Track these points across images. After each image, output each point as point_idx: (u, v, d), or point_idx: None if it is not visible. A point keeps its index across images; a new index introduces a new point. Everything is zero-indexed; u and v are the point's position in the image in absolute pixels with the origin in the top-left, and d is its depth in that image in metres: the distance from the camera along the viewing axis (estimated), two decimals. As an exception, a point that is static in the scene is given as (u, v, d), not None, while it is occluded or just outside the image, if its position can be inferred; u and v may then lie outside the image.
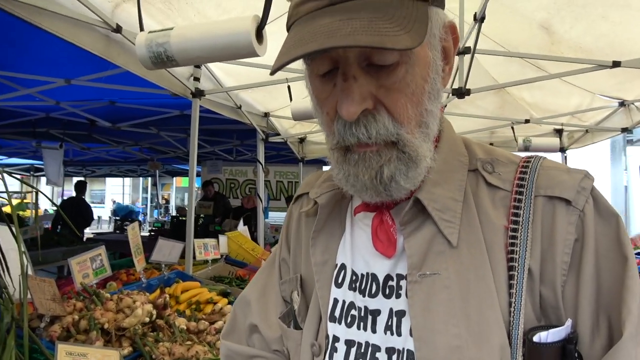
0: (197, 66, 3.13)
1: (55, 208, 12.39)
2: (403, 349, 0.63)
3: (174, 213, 12.63)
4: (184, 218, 7.10)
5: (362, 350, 0.66)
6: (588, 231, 0.60)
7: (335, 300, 0.71)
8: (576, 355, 0.57)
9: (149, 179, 17.63)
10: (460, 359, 0.58)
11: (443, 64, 0.66)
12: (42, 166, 7.24)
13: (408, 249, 0.65)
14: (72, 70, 3.50)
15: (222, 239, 3.72)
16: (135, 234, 2.70)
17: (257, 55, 1.27)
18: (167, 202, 19.03)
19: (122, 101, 4.57)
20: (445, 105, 3.91)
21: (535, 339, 0.57)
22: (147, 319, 1.95)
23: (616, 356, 0.55)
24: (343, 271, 0.72)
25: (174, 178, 18.75)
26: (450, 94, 2.95)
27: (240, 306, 0.87)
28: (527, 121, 4.62)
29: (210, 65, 3.26)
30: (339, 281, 0.72)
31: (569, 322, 0.58)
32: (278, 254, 0.87)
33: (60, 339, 1.68)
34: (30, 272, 1.93)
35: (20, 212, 9.30)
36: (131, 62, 2.51)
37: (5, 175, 1.59)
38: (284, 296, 0.82)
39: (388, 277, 0.68)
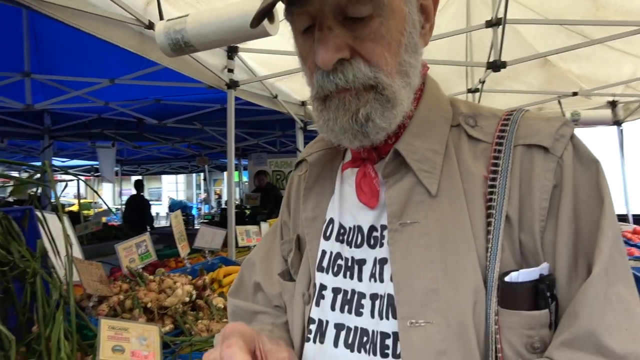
0: (230, 57, 3.20)
1: (116, 206, 13.10)
2: (384, 293, 0.65)
3: (224, 205, 13.02)
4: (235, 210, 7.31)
5: (349, 297, 0.69)
6: (567, 177, 0.61)
7: (324, 252, 0.75)
8: (549, 296, 0.58)
9: (201, 175, 18.23)
10: (436, 301, 0.60)
11: (422, 21, 0.68)
12: (99, 166, 7.70)
13: (388, 199, 0.67)
14: (115, 70, 3.70)
15: (264, 225, 3.81)
16: (178, 222, 2.83)
17: (269, 35, 1.30)
18: (220, 196, 19.59)
19: (166, 99, 4.77)
20: (484, 82, 3.79)
21: (507, 279, 0.58)
22: (187, 299, 2.05)
23: (584, 294, 0.55)
24: (331, 225, 0.76)
25: (224, 173, 19.28)
26: (486, 69, 2.86)
27: (247, 267, 0.93)
28: (574, 94, 4.40)
29: (244, 55, 3.33)
30: (327, 234, 0.75)
31: (544, 265, 0.59)
32: (280, 218, 0.92)
33: (107, 317, 1.80)
34: (79, 256, 2.08)
35: (85, 211, 9.87)
36: (165, 57, 2.61)
37: (69, 176, 1.71)
38: (284, 255, 0.86)
39: (372, 228, 0.70)
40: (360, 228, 0.72)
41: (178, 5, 2.46)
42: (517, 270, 0.59)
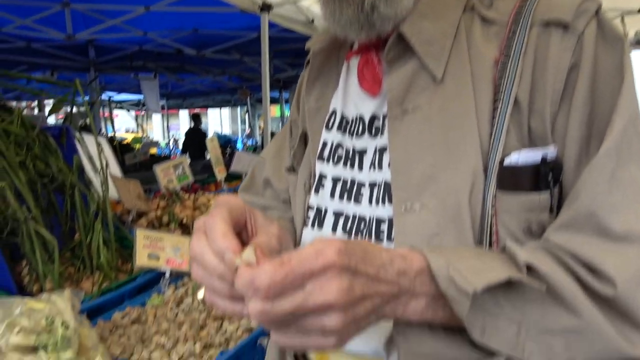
0: (261, -23, 3.09)
1: (164, 140, 13.56)
2: (382, 180, 0.64)
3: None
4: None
5: (348, 186, 0.69)
6: (586, 56, 0.55)
7: (325, 142, 0.74)
8: (551, 179, 0.55)
9: (245, 108, 18.37)
10: (433, 185, 0.59)
11: None
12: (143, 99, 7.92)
13: (389, 84, 0.64)
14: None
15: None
16: (214, 146, 2.90)
17: None
18: (264, 131, 19.82)
19: (204, 28, 4.73)
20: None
21: (507, 160, 0.56)
22: (221, 216, 2.13)
23: (589, 173, 0.52)
24: (334, 116, 0.74)
25: (269, 107, 19.31)
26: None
27: (258, 165, 0.95)
28: (640, 10, 3.98)
29: (275, -25, 3.21)
30: (330, 125, 0.74)
31: (549, 148, 0.56)
32: (290, 117, 0.92)
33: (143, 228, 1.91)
34: (119, 175, 2.19)
35: (135, 145, 10.28)
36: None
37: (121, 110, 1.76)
38: (291, 156, 0.86)
39: (374, 117, 0.68)
40: (361, 118, 0.70)
41: None
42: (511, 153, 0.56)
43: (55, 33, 4.16)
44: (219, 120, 23.69)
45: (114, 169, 2.24)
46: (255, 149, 9.01)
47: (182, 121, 24.55)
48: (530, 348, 0.49)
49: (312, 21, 3.99)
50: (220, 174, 2.88)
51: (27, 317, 1.01)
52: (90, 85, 5.58)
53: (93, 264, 1.56)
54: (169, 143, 13.01)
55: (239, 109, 21.18)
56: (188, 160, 2.67)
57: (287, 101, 10.57)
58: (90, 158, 1.79)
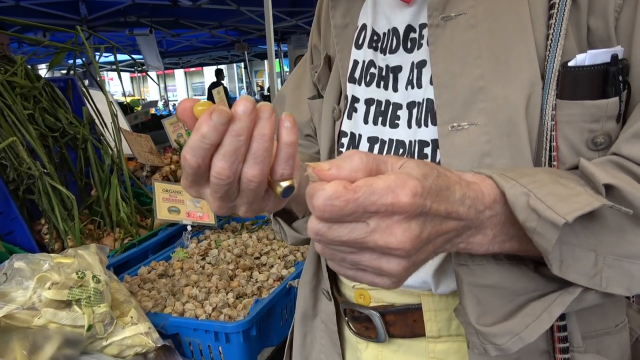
0: None
1: (162, 101, 13.34)
2: (423, 99, 0.58)
3: (266, 92, 12.99)
4: (275, 96, 7.28)
5: (383, 109, 0.63)
6: None
7: (355, 62, 0.67)
8: (621, 81, 0.48)
9: (242, 65, 18.00)
10: (483, 100, 0.52)
11: None
12: (142, 60, 7.69)
13: None
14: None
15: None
16: (221, 97, 2.80)
17: None
18: (262, 88, 19.48)
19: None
20: None
21: (571, 62, 0.49)
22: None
23: None
24: (364, 32, 0.67)
25: (265, 62, 18.94)
26: None
27: (278, 101, 0.88)
28: None
29: None
30: (359, 42, 0.67)
31: (617, 47, 0.49)
32: (310, 42, 0.84)
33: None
34: (127, 128, 2.11)
35: (135, 108, 10.14)
36: None
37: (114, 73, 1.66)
38: (314, 81, 0.79)
39: (409, 28, 0.61)
40: (395, 30, 0.62)
41: None
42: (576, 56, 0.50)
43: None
44: (215, 79, 23.30)
45: (122, 123, 2.17)
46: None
47: (179, 82, 24.16)
48: (609, 276, 0.45)
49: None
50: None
51: (57, 272, 0.96)
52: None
53: (112, 220, 1.51)
54: (167, 104, 12.80)
55: (235, 66, 20.77)
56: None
57: (285, 55, 10.29)
58: (98, 112, 1.71)
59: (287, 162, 0.42)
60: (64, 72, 1.78)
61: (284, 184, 0.44)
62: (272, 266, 1.40)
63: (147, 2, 5.22)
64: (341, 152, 0.67)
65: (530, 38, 0.52)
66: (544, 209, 0.41)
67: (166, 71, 13.96)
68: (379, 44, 0.65)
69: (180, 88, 24.09)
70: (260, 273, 1.35)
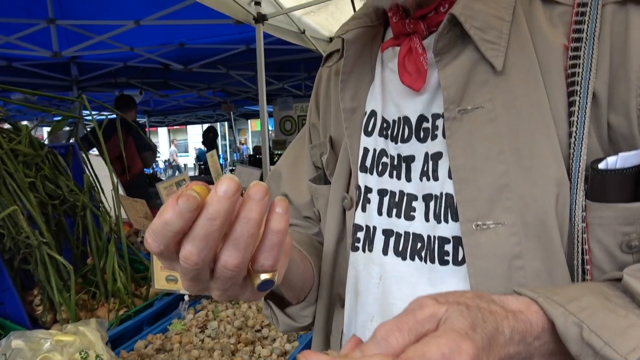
0: (257, -11, 3.06)
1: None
2: (441, 193, 0.56)
3: (251, 152, 13.10)
4: (260, 156, 7.33)
5: (397, 200, 0.61)
6: None
7: (366, 150, 0.65)
8: None
9: (226, 125, 18.24)
10: (508, 198, 0.51)
11: None
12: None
13: (443, 80, 0.56)
14: (139, 11, 3.59)
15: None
16: (214, 161, 2.81)
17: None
18: (243, 145, 19.72)
19: (190, 42, 4.66)
20: None
21: (602, 165, 0.48)
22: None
23: None
24: (373, 118, 0.66)
25: (249, 122, 19.25)
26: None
27: (273, 178, 0.85)
28: None
29: (270, -13, 3.18)
30: (369, 129, 0.66)
31: None
32: (308, 121, 0.82)
33: (156, 250, 1.82)
34: (122, 193, 2.09)
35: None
36: (191, -11, 2.50)
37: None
38: (315, 161, 0.77)
39: (422, 118, 0.60)
40: (406, 119, 0.61)
41: None
42: (605, 157, 0.48)
43: (40, 50, 4.03)
44: (199, 137, 23.49)
45: (119, 189, 2.15)
46: (242, 163, 8.90)
47: (162, 138, 24.25)
48: None
49: (304, 32, 3.97)
50: (221, 189, 2.79)
51: (60, 352, 0.92)
52: (73, 104, 5.44)
53: (108, 290, 1.46)
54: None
55: (218, 125, 21.06)
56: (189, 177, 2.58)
57: (270, 115, 10.51)
58: (96, 177, 1.70)
59: (271, 252, 0.39)
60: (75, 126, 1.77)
61: (264, 276, 0.39)
62: (275, 340, 1.36)
63: (139, 65, 5.32)
64: (357, 247, 0.64)
65: (554, 134, 0.50)
66: (601, 346, 0.39)
67: (150, 128, 14.02)
68: (390, 132, 0.63)
69: (163, 145, 24.14)
70: (263, 347, 1.31)
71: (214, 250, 0.37)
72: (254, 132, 23.08)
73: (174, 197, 0.35)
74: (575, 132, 0.49)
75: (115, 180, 1.62)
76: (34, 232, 1.28)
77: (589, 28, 0.50)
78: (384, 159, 0.63)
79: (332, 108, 0.74)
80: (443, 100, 0.55)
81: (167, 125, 12.61)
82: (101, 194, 1.67)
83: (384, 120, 0.64)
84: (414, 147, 0.60)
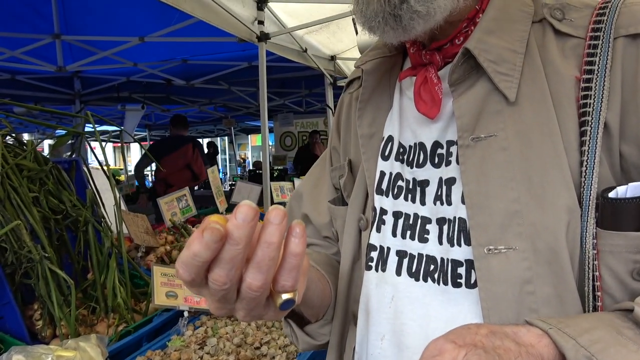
0: (260, 8, 3.11)
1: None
2: (454, 217, 0.58)
3: (251, 167, 13.12)
4: (260, 171, 7.34)
5: (411, 222, 0.63)
6: None
7: (382, 173, 0.68)
8: None
9: (226, 140, 18.31)
10: (519, 224, 0.52)
11: None
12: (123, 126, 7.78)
13: (457, 110, 0.58)
14: (144, 28, 3.64)
15: (297, 181, 3.80)
16: (215, 177, 2.83)
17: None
18: (244, 160, 19.77)
19: (193, 58, 4.72)
20: None
21: (612, 194, 0.49)
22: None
23: None
24: (390, 143, 0.68)
25: (249, 137, 19.33)
26: None
27: (295, 199, 0.87)
28: None
29: (273, 6, 3.23)
30: (386, 154, 0.68)
31: None
32: (329, 144, 0.85)
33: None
34: (123, 208, 2.10)
35: (117, 177, 10.06)
36: (197, 8, 2.54)
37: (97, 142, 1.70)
38: (334, 183, 0.80)
39: (436, 145, 0.62)
40: (422, 145, 0.63)
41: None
42: (616, 187, 0.50)
43: (45, 65, 4.08)
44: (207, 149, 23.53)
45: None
46: (242, 178, 8.92)
47: (162, 152, 24.27)
48: None
49: (305, 50, 4.02)
50: (221, 205, 2.80)
51: (61, 369, 0.92)
52: (75, 118, 5.47)
53: (108, 305, 1.46)
54: (151, 174, 12.75)
55: (219, 139, 21.15)
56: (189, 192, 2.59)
57: (270, 130, 10.58)
58: (98, 193, 1.71)
59: (290, 273, 0.40)
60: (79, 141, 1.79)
61: (285, 296, 0.41)
62: (274, 357, 1.36)
63: (141, 80, 5.38)
64: (370, 266, 0.66)
65: (565, 163, 0.51)
66: None
67: (151, 142, 14.07)
68: (406, 157, 0.65)
69: (162, 158, 24.15)
70: (262, 364, 1.31)
71: (239, 271, 0.39)
72: (254, 146, 23.17)
73: (199, 230, 0.37)
74: (587, 161, 0.51)
75: (117, 195, 1.63)
76: (36, 246, 1.28)
77: (600, 60, 0.52)
78: (400, 183, 0.65)
79: (352, 133, 0.77)
80: (457, 129, 0.58)
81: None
82: (103, 208, 1.68)
83: (400, 145, 0.67)
84: (428, 172, 0.62)
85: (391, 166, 0.67)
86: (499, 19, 0.59)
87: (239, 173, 12.34)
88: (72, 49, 4.16)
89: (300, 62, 4.10)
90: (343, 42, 4.39)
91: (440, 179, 0.60)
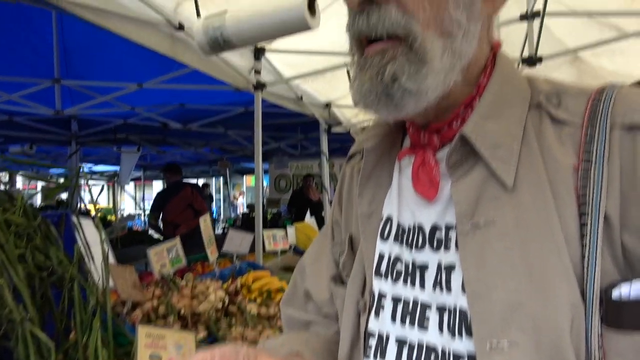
0: (257, 58, 3.17)
1: (137, 211, 13.23)
2: (455, 307, 0.56)
3: (245, 209, 13.08)
4: (254, 214, 7.29)
5: (410, 308, 0.61)
6: None
7: (381, 255, 0.67)
8: None
9: (221, 179, 18.34)
10: (522, 317, 0.51)
11: None
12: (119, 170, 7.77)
13: (455, 195, 0.58)
14: (142, 74, 3.70)
15: (290, 230, 3.77)
16: (207, 226, 2.80)
17: (310, 29, 1.25)
18: (237, 199, 19.76)
19: (191, 103, 4.78)
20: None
21: (615, 295, 0.48)
22: (220, 305, 2.01)
23: None
24: (389, 223, 0.68)
25: (244, 177, 19.35)
26: (520, 64, 2.77)
27: (298, 272, 0.86)
28: (609, 91, 4.25)
29: (270, 57, 3.30)
30: (385, 234, 0.68)
31: None
32: (331, 217, 0.84)
33: (141, 323, 1.77)
34: (112, 261, 2.06)
35: (108, 217, 9.99)
36: (196, 59, 2.59)
37: (90, 181, 1.69)
38: (336, 258, 0.79)
39: (435, 228, 0.61)
40: (420, 227, 0.63)
41: (206, 6, 2.44)
42: (622, 281, 0.49)
43: (42, 108, 4.11)
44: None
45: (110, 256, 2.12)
46: (235, 222, 8.85)
47: (156, 191, 24.23)
48: None
49: (301, 98, 4.08)
50: (212, 255, 2.76)
51: None
52: (70, 159, 5.48)
53: (89, 367, 1.40)
54: (141, 215, 12.66)
55: (214, 179, 21.18)
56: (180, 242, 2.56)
57: (265, 171, 10.63)
58: (87, 246, 1.68)
59: None
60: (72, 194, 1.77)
61: None
62: None
63: (139, 123, 5.42)
64: (369, 354, 0.64)
65: (565, 255, 0.50)
66: None
67: (145, 181, 14.08)
68: (405, 238, 0.65)
69: (156, 197, 24.08)
70: None
71: None
72: (248, 187, 23.18)
73: None
74: (589, 254, 0.50)
75: (106, 249, 1.60)
76: (18, 306, 1.24)
77: (598, 150, 0.52)
78: (399, 265, 0.64)
79: (353, 208, 0.76)
80: (455, 214, 0.57)
81: (162, 179, 12.67)
82: (91, 261, 1.64)
83: (399, 225, 0.66)
84: (427, 255, 0.61)
85: (390, 248, 0.66)
86: (495, 103, 0.60)
87: (232, 215, 12.25)
88: (72, 92, 4.21)
89: (295, 110, 4.15)
90: (338, 90, 4.47)
91: (440, 263, 0.60)
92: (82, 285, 1.49)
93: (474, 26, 0.58)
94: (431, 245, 0.61)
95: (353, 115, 5.34)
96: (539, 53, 2.67)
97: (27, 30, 3.37)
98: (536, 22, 2.49)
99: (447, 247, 0.59)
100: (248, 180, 22.73)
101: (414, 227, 0.64)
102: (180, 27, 2.27)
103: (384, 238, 0.67)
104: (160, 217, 5.46)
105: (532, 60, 2.55)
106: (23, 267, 1.33)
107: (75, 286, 1.46)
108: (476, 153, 0.57)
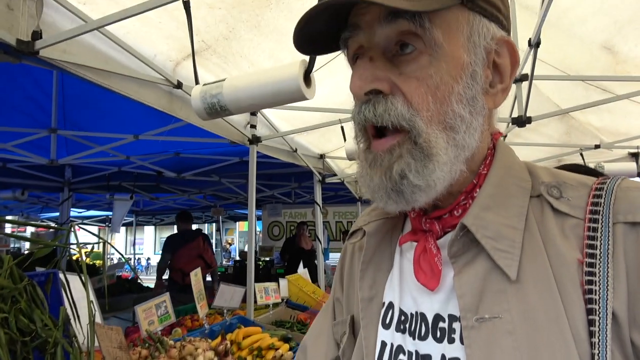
0: (253, 114, 3.23)
1: (128, 255, 13.00)
2: None
3: (237, 257, 12.90)
4: (246, 262, 7.16)
5: None
6: None
7: (383, 344, 0.65)
8: None
9: (213, 225, 18.20)
10: None
11: (493, 78, 0.62)
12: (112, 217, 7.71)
13: (459, 289, 0.57)
14: (139, 126, 3.75)
15: (283, 282, 3.71)
16: (198, 280, 2.75)
17: (306, 99, 1.28)
18: (231, 245, 19.56)
19: (186, 152, 4.82)
20: (506, 136, 3.77)
21: None
22: (209, 367, 1.94)
23: None
24: (391, 310, 0.67)
25: (237, 223, 19.26)
26: (510, 123, 2.84)
27: (301, 351, 0.84)
28: (597, 147, 4.36)
29: (266, 111, 3.37)
30: (387, 322, 0.66)
31: None
32: (333, 294, 0.83)
33: (126, 387, 1.70)
34: (99, 320, 2.00)
35: (97, 262, 9.82)
36: (192, 115, 2.64)
37: (79, 226, 1.68)
38: (337, 339, 0.77)
39: (438, 318, 0.61)
40: (423, 316, 0.62)
41: (206, 66, 2.51)
42: None
43: (37, 158, 4.12)
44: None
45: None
46: (226, 270, 8.71)
47: (147, 235, 23.98)
48: None
49: (295, 150, 4.13)
50: (202, 310, 2.70)
51: None
52: (62, 205, 5.44)
53: None
54: (132, 259, 12.47)
55: (206, 225, 21.04)
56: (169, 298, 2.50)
57: (258, 218, 10.59)
58: (73, 304, 1.64)
59: None
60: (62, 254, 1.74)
61: None
62: None
63: (133, 171, 5.43)
64: None
65: (574, 353, 0.50)
66: None
67: (137, 226, 13.92)
68: (407, 326, 0.63)
69: (148, 241, 23.80)
70: None
71: None
72: (241, 232, 23.00)
73: None
74: (598, 354, 0.49)
75: (94, 311, 1.56)
76: (-3, 375, 1.20)
77: (602, 245, 0.52)
78: (401, 357, 0.63)
79: (354, 289, 0.75)
80: (459, 308, 0.57)
81: (154, 225, 12.57)
82: (77, 321, 1.60)
83: (401, 312, 0.65)
84: (430, 347, 0.60)
85: (392, 337, 0.65)
86: (495, 195, 0.60)
87: (223, 262, 12.08)
88: (67, 142, 4.23)
89: (290, 161, 4.20)
90: (332, 142, 4.54)
91: (443, 356, 0.58)
92: (66, 349, 1.45)
93: (477, 120, 0.60)
94: (434, 336, 0.60)
95: (346, 166, 5.41)
96: (528, 113, 2.75)
97: (27, 82, 3.43)
98: (524, 84, 2.58)
99: (451, 340, 0.58)
100: (241, 226, 22.59)
101: (416, 315, 0.63)
102: (179, 85, 2.32)
103: (386, 326, 0.66)
104: (170, 263, 5.46)
105: (522, 121, 2.62)
106: (5, 331, 1.29)
107: (59, 350, 1.41)
108: (478, 243, 0.58)
